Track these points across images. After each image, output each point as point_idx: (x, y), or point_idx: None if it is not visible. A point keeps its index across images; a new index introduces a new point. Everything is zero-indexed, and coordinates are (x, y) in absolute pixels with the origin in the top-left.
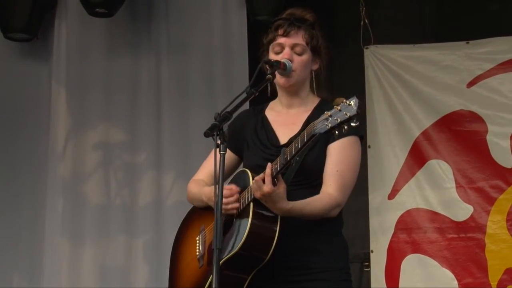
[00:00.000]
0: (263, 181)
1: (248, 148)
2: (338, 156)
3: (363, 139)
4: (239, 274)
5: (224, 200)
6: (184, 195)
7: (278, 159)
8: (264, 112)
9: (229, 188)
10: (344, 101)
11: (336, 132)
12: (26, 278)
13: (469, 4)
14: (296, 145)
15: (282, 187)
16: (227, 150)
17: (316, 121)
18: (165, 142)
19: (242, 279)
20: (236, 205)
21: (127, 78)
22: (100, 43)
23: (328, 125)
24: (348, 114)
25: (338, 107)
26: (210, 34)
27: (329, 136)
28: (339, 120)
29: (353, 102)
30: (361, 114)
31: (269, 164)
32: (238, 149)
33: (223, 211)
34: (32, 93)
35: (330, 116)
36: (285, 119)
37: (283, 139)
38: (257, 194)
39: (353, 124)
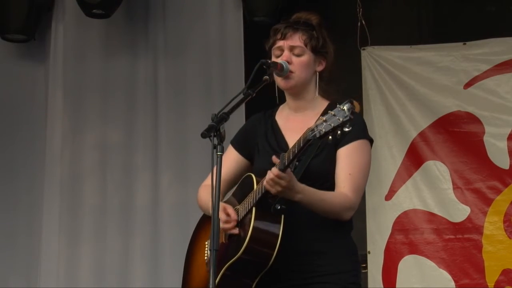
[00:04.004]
0: (277, 177)
1: (258, 153)
2: (350, 160)
3: (373, 142)
4: (244, 279)
5: (224, 226)
6: (181, 195)
7: (279, 162)
8: (274, 117)
9: (226, 213)
10: (338, 105)
11: (330, 137)
12: (23, 279)
13: (466, 5)
14: (293, 150)
15: (291, 175)
16: (238, 154)
17: (311, 126)
18: (162, 143)
19: (247, 284)
20: (236, 231)
21: (124, 79)
22: (97, 44)
23: (322, 130)
24: (341, 119)
25: (333, 112)
26: (207, 35)
27: (338, 140)
28: (332, 125)
29: (346, 107)
30: (356, 118)
31: (274, 158)
32: (249, 153)
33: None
34: (29, 94)
35: (325, 121)
36: (295, 124)
37: (292, 144)
38: (277, 189)
39: (346, 129)
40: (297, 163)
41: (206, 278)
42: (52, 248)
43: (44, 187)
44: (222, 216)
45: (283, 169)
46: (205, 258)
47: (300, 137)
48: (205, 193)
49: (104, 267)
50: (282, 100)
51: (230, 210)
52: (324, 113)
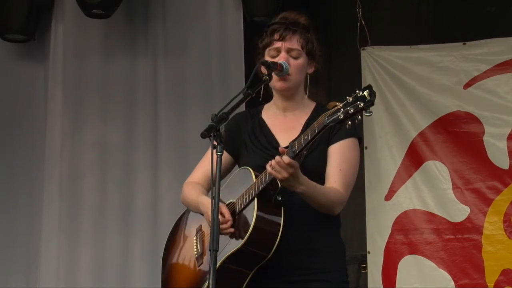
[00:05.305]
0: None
1: (246, 149)
2: (340, 156)
3: (362, 141)
4: (242, 269)
5: (221, 226)
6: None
7: (286, 152)
8: (260, 115)
9: (222, 213)
10: (357, 91)
11: (349, 122)
12: (23, 279)
13: (466, 5)
14: (306, 137)
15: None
16: (224, 151)
17: (327, 113)
18: (162, 142)
19: (244, 274)
20: (232, 230)
21: (124, 79)
22: (96, 44)
23: (340, 116)
24: (362, 104)
25: (350, 98)
26: (207, 35)
27: (329, 138)
28: (352, 110)
29: (366, 92)
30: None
31: (281, 150)
32: (234, 150)
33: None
34: (29, 94)
35: (342, 107)
36: (284, 124)
37: (283, 142)
38: (282, 175)
39: (366, 114)
40: (304, 152)
41: (195, 274)
42: (51, 248)
43: (43, 187)
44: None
45: (293, 157)
46: (195, 253)
47: (314, 124)
48: (190, 189)
49: (104, 266)
50: (267, 99)
51: (224, 209)
52: (324, 112)
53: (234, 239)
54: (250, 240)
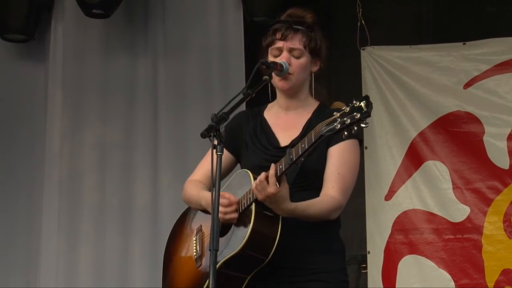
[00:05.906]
0: (267, 181)
1: (247, 149)
2: (339, 159)
3: (362, 142)
4: (239, 274)
5: (222, 209)
6: (180, 195)
7: (283, 160)
8: (262, 114)
9: (227, 197)
10: (354, 101)
11: (346, 133)
12: (23, 279)
13: (466, 5)
14: (303, 145)
15: (285, 188)
16: (224, 150)
17: (324, 122)
18: (161, 142)
19: (241, 278)
20: (235, 215)
21: (124, 79)
22: (96, 44)
23: (337, 126)
24: (358, 115)
25: (348, 108)
26: (207, 35)
27: (329, 139)
28: (348, 121)
29: (363, 103)
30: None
31: (272, 165)
32: (235, 149)
33: (221, 221)
34: (29, 94)
35: (339, 117)
36: (285, 122)
37: (283, 141)
38: (261, 196)
39: (363, 125)
40: (302, 159)
41: (194, 275)
42: (51, 248)
43: (43, 187)
44: (221, 200)
45: (290, 164)
46: (194, 254)
47: (311, 133)
48: (191, 186)
49: (104, 266)
50: (274, 97)
51: (227, 194)
52: (326, 112)
53: (232, 243)
54: (249, 244)
